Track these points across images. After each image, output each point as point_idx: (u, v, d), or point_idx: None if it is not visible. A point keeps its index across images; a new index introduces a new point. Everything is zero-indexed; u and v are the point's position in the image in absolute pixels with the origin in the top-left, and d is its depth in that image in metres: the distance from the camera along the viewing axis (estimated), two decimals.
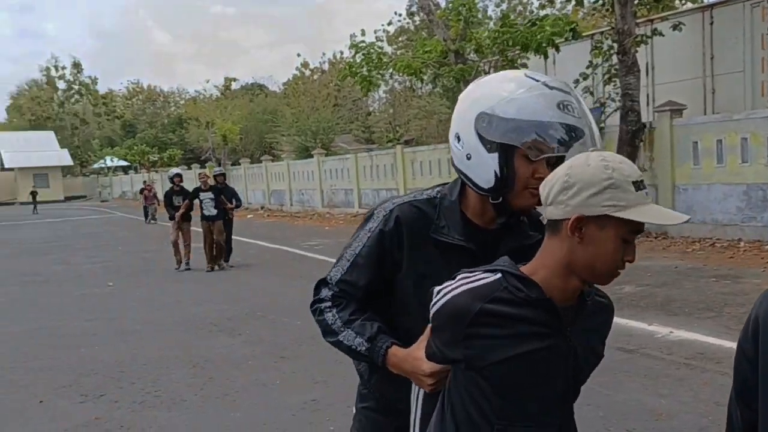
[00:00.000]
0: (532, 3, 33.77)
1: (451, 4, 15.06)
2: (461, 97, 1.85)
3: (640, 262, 10.75)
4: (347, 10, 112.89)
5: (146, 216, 28.58)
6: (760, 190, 11.62)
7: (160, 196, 25.72)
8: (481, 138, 1.75)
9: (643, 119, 13.73)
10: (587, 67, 14.21)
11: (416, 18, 45.57)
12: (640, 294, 8.67)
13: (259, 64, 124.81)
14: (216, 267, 13.37)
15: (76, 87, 74.80)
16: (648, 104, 15.09)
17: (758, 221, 11.68)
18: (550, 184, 1.50)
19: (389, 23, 52.01)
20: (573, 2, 14.54)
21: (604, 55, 14.02)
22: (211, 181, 13.88)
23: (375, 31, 39.34)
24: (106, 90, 77.00)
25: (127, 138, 65.90)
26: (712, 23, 14.72)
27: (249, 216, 29.24)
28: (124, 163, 59.05)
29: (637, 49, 13.06)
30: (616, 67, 13.47)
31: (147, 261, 15.58)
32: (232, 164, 38.07)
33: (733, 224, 12.08)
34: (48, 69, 74.77)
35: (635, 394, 5.22)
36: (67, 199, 61.65)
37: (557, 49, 13.99)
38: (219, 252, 13.48)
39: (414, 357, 1.73)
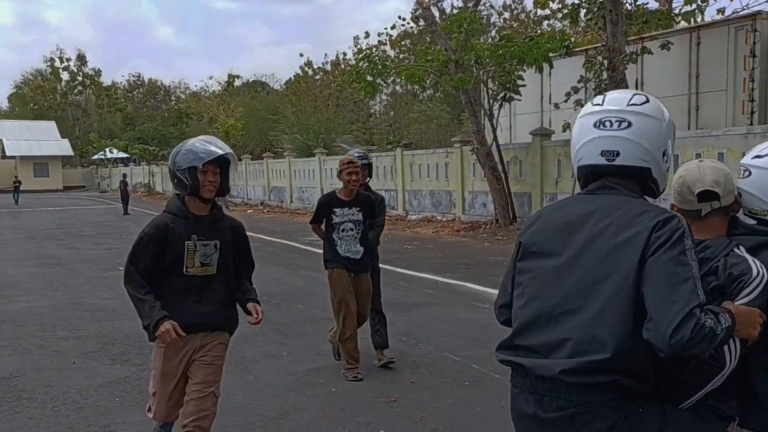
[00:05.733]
0: (536, 13, 34.77)
1: (453, 17, 15.91)
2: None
3: None
4: (352, 11, 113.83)
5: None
6: None
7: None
8: None
9: None
10: (578, 82, 15.07)
11: (420, 23, 46.42)
12: None
13: (261, 62, 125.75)
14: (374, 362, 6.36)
15: (80, 78, 75.59)
16: None
17: None
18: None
19: (393, 27, 52.89)
20: (568, 19, 15.41)
21: (595, 71, 14.86)
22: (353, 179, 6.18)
23: (379, 34, 40.15)
24: (108, 82, 77.80)
25: (127, 130, 66.69)
26: (698, 44, 15.57)
27: (249, 211, 30.13)
28: (124, 155, 59.80)
29: (627, 66, 13.92)
30: (606, 82, 14.33)
31: None
32: None
33: None
34: (53, 60, 75.58)
35: None
36: (66, 188, 62.34)
37: (551, 65, 14.84)
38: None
39: (749, 310, 2.05)
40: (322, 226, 6.20)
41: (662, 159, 2.17)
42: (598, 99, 2.23)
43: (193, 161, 3.61)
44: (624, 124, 2.13)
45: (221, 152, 3.62)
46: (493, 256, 13.57)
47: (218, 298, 3.86)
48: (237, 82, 63.67)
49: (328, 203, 6.10)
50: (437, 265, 12.55)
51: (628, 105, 2.16)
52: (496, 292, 9.02)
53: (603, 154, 2.15)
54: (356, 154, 6.44)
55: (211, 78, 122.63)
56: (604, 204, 2.13)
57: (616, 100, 2.20)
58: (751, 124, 14.26)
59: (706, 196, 2.31)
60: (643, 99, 2.18)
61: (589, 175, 2.22)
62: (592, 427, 2.02)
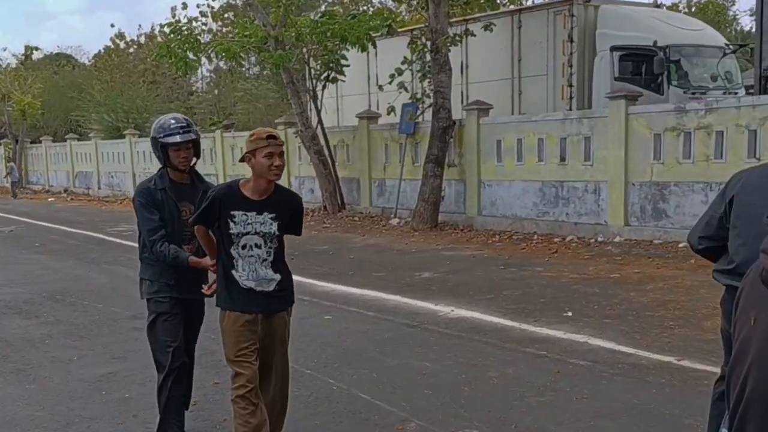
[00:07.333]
0: None
1: None
2: None
3: (442, 252, 12.09)
4: None
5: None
6: (553, 187, 13.37)
7: None
8: None
9: (457, 116, 15.19)
10: (402, 63, 15.49)
11: None
12: (435, 279, 9.92)
13: (67, 33, 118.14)
14: None
15: None
16: (462, 102, 16.61)
17: (550, 216, 13.44)
18: None
19: None
20: None
21: (419, 53, 15.32)
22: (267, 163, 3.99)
23: (198, 6, 38.96)
24: None
25: None
26: (520, 27, 16.48)
27: (50, 199, 28.42)
28: None
29: (450, 48, 14.46)
30: (430, 64, 14.84)
31: None
32: (32, 142, 36.51)
33: (529, 218, 13.78)
34: None
35: (407, 359, 6.30)
36: None
37: (374, 44, 15.10)
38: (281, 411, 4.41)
39: None
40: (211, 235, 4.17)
41: None
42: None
43: None
44: None
45: None
46: (319, 245, 13.66)
47: None
48: (36, 55, 59.57)
49: (224, 199, 4.01)
50: None
51: None
52: (319, 283, 9.09)
53: None
54: (173, 122, 4.53)
55: (5, 50, 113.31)
56: None
57: None
58: (570, 109, 15.30)
59: None
60: None
61: None
62: None
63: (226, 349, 4.10)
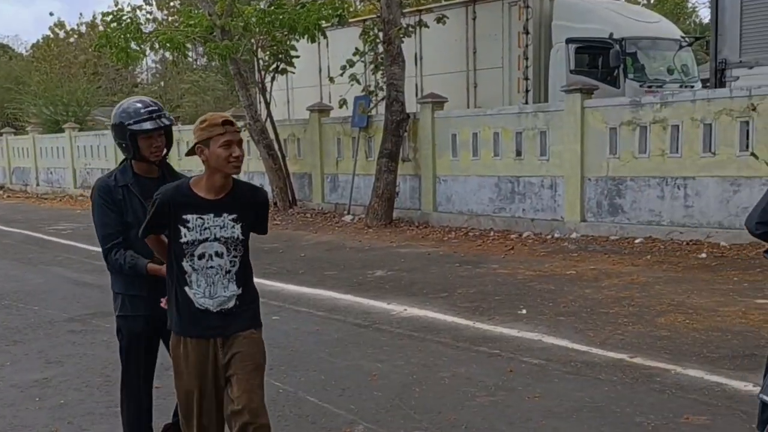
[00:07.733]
0: None
1: None
2: None
3: (397, 249, 12.10)
4: None
5: None
6: (509, 182, 13.49)
7: None
8: None
9: (411, 110, 15.22)
10: (354, 54, 15.47)
11: None
12: (389, 278, 9.93)
13: (2, 22, 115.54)
14: None
15: None
16: (416, 95, 16.65)
17: (506, 212, 13.56)
18: None
19: None
20: None
21: (371, 44, 15.33)
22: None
23: None
24: None
25: None
26: (474, 18, 16.59)
27: None
28: None
29: (403, 39, 14.48)
30: (382, 56, 14.85)
31: None
32: None
33: (485, 214, 13.88)
34: None
35: (357, 360, 6.30)
36: None
37: (324, 35, 15.04)
38: None
39: None
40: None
41: None
42: None
43: None
44: None
45: None
46: (269, 242, 13.53)
47: None
48: None
49: (174, 202, 3.43)
50: None
51: None
52: (268, 282, 9.05)
53: None
54: (141, 106, 3.94)
55: None
56: None
57: None
58: (526, 102, 15.45)
59: None
60: None
61: None
62: None
63: (177, 377, 3.54)
